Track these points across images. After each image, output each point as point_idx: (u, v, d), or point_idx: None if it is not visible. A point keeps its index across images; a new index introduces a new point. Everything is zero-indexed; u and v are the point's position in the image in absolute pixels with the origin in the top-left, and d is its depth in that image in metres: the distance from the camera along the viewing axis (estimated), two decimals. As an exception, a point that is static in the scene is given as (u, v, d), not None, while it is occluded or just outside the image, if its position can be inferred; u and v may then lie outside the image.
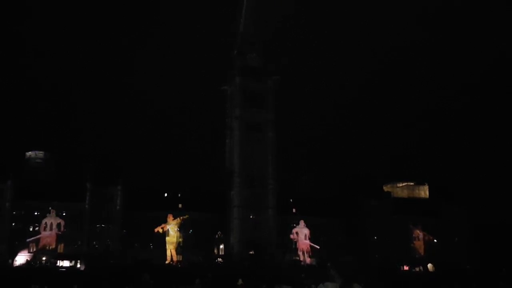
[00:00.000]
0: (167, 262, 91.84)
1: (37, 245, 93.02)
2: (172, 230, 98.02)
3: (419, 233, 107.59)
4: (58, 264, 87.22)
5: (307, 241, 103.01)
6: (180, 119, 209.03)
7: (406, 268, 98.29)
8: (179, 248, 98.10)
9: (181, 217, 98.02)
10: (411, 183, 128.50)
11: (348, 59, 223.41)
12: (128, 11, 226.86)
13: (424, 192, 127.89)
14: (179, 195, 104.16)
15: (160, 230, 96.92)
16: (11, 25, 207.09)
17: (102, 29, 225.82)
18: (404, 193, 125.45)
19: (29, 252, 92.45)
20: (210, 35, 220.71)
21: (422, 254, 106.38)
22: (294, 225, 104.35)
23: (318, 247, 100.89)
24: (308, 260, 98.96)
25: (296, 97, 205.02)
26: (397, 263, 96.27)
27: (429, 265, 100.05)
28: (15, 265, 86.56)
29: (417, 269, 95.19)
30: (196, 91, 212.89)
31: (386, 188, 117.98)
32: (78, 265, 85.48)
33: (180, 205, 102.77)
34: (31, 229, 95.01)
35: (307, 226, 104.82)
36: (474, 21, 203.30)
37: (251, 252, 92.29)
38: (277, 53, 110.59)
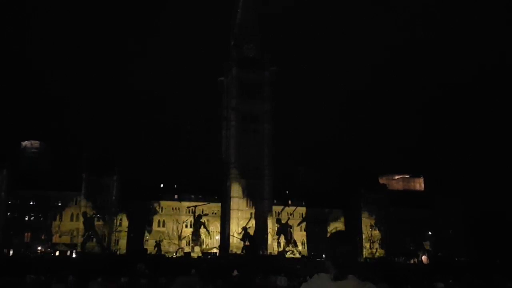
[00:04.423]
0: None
1: (32, 234, 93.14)
2: None
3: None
4: (53, 254, 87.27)
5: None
6: (176, 110, 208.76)
7: (401, 259, 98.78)
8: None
9: None
10: (407, 176, 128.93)
11: (346, 51, 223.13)
12: (125, 1, 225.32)
13: (419, 184, 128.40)
14: (175, 185, 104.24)
15: None
16: (9, 17, 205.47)
17: (97, 19, 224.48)
18: (399, 186, 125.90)
19: (25, 241, 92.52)
20: (207, 26, 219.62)
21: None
22: (290, 216, 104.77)
23: None
24: None
25: (293, 88, 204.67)
26: (392, 254, 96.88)
27: (424, 257, 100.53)
28: (10, 255, 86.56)
29: (412, 261, 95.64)
30: (193, 82, 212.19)
31: (382, 181, 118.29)
32: (74, 255, 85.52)
33: (175, 196, 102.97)
34: (26, 218, 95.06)
35: (303, 217, 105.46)
36: (472, 18, 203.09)
37: (247, 243, 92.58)
38: (274, 44, 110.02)
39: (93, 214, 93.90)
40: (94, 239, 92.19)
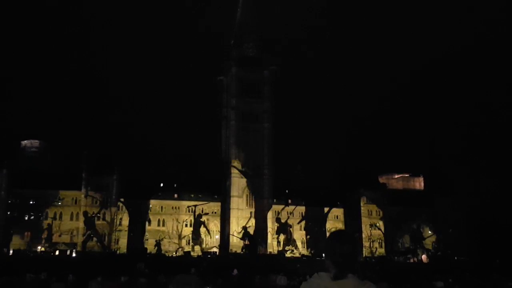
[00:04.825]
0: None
1: (32, 234, 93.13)
2: None
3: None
4: (53, 253, 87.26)
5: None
6: (176, 109, 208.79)
7: (400, 258, 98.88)
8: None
9: None
10: (407, 175, 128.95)
11: (346, 50, 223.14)
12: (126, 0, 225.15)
13: (419, 183, 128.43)
14: (175, 185, 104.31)
15: None
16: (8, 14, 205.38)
17: (97, 18, 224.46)
18: (399, 185, 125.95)
19: (24, 241, 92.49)
20: (207, 25, 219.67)
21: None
22: (290, 215, 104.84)
23: None
24: None
25: (293, 87, 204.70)
26: (392, 253, 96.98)
27: (423, 256, 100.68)
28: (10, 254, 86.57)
29: (411, 260, 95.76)
30: (192, 81, 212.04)
31: (381, 180, 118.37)
32: (74, 254, 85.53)
33: (175, 195, 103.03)
34: (26, 218, 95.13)
35: (303, 216, 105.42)
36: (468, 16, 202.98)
37: (246, 243, 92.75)
38: (274, 43, 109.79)
39: (93, 213, 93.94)
40: (94, 238, 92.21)
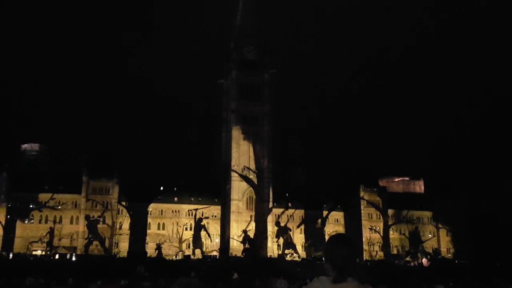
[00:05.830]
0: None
1: (32, 237, 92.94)
2: None
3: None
4: (53, 257, 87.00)
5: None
6: (176, 112, 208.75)
7: (401, 262, 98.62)
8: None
9: None
10: (407, 178, 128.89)
11: (346, 53, 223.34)
12: (126, 2, 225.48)
13: (419, 187, 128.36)
14: (175, 188, 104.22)
15: None
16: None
17: (97, 21, 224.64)
18: (399, 188, 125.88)
19: (24, 244, 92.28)
20: (207, 28, 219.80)
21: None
22: (290, 219, 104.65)
23: None
24: None
25: (293, 90, 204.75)
26: (392, 257, 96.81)
27: (424, 260, 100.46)
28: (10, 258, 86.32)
29: (412, 263, 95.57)
30: (193, 84, 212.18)
31: (382, 183, 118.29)
32: (74, 258, 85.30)
33: (175, 198, 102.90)
34: (26, 221, 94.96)
35: (303, 219, 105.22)
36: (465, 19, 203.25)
37: (246, 246, 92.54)
38: (274, 46, 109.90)
39: (93, 217, 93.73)
40: (94, 242, 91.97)
